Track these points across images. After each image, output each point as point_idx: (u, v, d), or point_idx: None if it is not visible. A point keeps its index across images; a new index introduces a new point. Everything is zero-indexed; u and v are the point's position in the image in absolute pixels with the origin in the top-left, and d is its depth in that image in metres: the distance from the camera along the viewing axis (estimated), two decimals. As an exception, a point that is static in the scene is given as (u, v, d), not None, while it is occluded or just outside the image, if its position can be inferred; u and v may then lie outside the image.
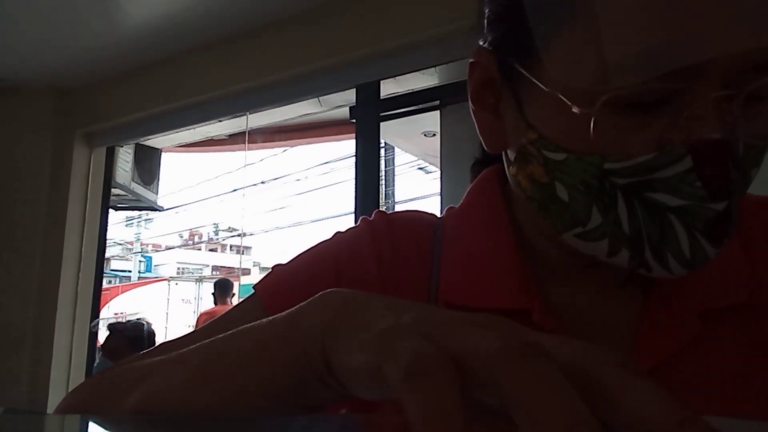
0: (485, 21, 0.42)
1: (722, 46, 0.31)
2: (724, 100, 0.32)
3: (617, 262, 0.37)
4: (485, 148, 0.44)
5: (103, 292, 2.97)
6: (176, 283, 12.99)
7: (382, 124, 2.25)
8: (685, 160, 0.33)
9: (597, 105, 0.33)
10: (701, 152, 0.32)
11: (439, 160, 2.38)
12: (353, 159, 2.24)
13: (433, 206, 3.14)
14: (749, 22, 0.31)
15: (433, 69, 2.15)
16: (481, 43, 0.43)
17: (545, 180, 0.38)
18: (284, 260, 0.49)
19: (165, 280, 13.24)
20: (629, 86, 0.32)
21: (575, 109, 0.34)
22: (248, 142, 3.03)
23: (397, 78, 2.21)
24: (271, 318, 0.30)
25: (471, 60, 0.42)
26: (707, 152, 0.32)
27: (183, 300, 12.20)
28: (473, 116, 0.44)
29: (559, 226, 0.39)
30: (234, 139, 3.18)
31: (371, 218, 0.50)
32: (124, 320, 3.17)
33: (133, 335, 2.99)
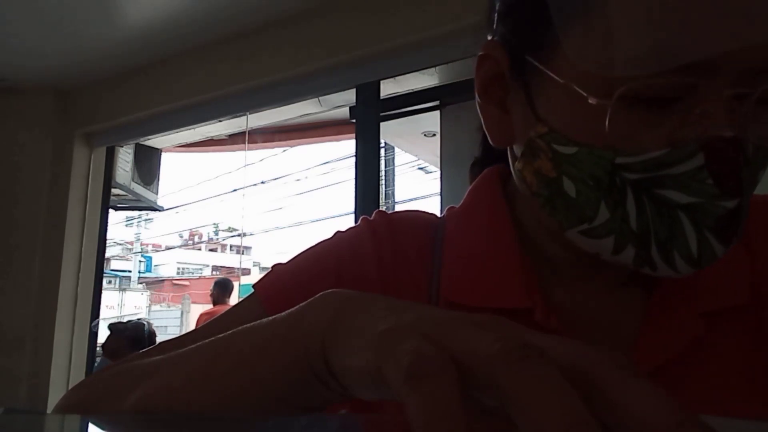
0: (496, 15, 0.42)
1: (736, 42, 0.31)
2: (736, 100, 0.32)
3: (621, 260, 0.37)
4: (491, 142, 0.44)
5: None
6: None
7: (382, 124, 2.25)
8: (697, 157, 0.33)
9: (614, 96, 0.33)
10: (714, 149, 0.32)
11: (439, 160, 2.38)
12: (353, 159, 2.24)
13: (433, 206, 3.15)
14: (764, 20, 0.31)
15: (433, 69, 2.15)
16: (490, 37, 0.43)
17: (553, 175, 0.38)
18: (284, 260, 0.49)
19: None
20: (646, 78, 0.32)
21: (591, 100, 0.34)
22: (248, 142, 3.03)
23: (397, 78, 2.21)
24: (271, 318, 0.30)
25: (481, 53, 0.42)
26: (720, 149, 0.32)
27: (107, 306, 13.90)
28: (479, 110, 0.44)
29: (564, 223, 0.38)
30: (234, 139, 3.18)
31: (371, 218, 0.49)
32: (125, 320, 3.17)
33: (133, 335, 2.99)
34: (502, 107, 0.42)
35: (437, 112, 2.32)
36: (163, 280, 20.00)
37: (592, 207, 0.36)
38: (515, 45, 0.40)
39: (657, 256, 0.35)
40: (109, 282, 16.70)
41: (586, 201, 0.36)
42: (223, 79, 2.51)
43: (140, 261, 18.33)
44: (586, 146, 0.35)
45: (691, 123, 0.33)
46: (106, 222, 3.09)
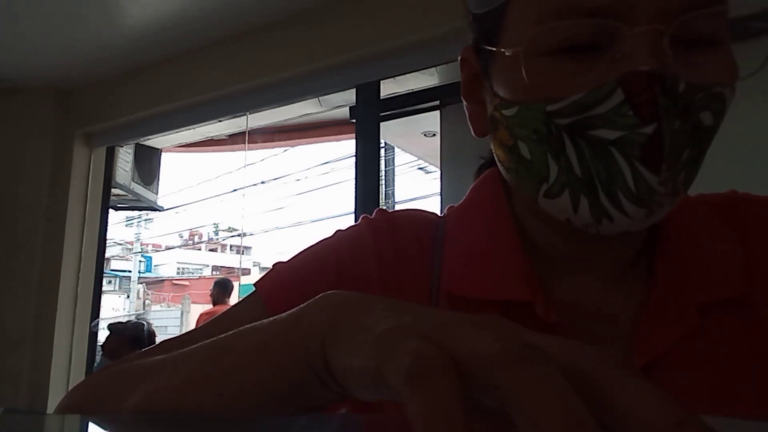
0: (468, 25, 0.46)
1: None
2: (654, 38, 0.34)
3: (583, 217, 0.39)
4: (473, 133, 0.47)
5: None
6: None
7: (382, 124, 2.26)
8: (616, 94, 0.35)
9: (524, 45, 0.36)
10: (630, 83, 0.35)
11: (439, 160, 2.38)
12: (353, 159, 2.24)
13: (433, 206, 3.15)
14: None
15: (433, 69, 2.15)
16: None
17: (510, 142, 0.41)
18: (285, 259, 0.49)
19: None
20: (557, 25, 0.36)
21: (508, 52, 0.38)
22: (248, 142, 3.03)
23: (397, 78, 2.21)
24: (271, 318, 0.30)
25: (460, 58, 0.47)
26: (635, 82, 0.34)
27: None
28: (465, 110, 0.47)
29: (532, 191, 0.41)
30: (234, 139, 3.18)
31: (372, 217, 0.50)
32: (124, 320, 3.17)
33: (133, 335, 2.99)
34: (479, 102, 0.46)
35: (437, 112, 2.32)
36: (163, 280, 20.02)
37: (543, 163, 0.39)
38: (478, 42, 0.44)
39: (605, 201, 0.37)
40: (109, 282, 16.69)
41: (537, 159, 0.39)
42: (223, 79, 2.51)
43: (140, 261, 18.32)
44: (522, 103, 0.39)
45: (611, 65, 0.35)
46: (106, 222, 3.09)
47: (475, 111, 0.46)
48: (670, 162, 0.35)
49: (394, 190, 4.13)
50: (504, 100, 0.40)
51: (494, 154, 0.45)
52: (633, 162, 0.35)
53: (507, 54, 0.39)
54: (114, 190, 3.17)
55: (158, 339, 3.23)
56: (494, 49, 0.41)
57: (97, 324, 3.03)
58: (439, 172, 2.39)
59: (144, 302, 17.34)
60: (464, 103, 0.47)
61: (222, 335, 0.32)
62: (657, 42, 0.34)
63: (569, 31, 0.36)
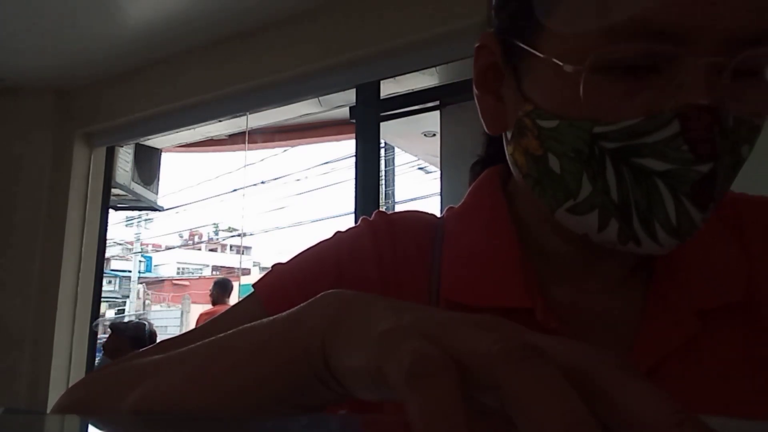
0: (492, 12, 0.44)
1: (711, 13, 0.32)
2: (714, 69, 0.33)
3: (607, 237, 0.37)
4: (486, 130, 0.45)
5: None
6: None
7: (382, 124, 2.26)
8: (672, 125, 0.34)
9: (587, 62, 0.34)
10: (688, 117, 0.33)
11: (439, 160, 2.38)
12: (353, 159, 2.24)
13: (433, 206, 3.15)
14: None
15: (433, 69, 2.15)
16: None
17: (539, 152, 0.39)
18: (284, 260, 0.49)
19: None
20: (619, 46, 0.33)
21: (567, 68, 0.35)
22: (248, 142, 3.03)
23: (397, 78, 2.21)
24: (271, 318, 0.30)
25: (477, 44, 0.44)
26: (694, 117, 0.33)
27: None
28: (476, 101, 0.45)
29: (552, 203, 0.39)
30: (234, 139, 3.18)
31: (371, 218, 0.50)
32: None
33: (134, 335, 2.99)
34: (496, 95, 0.44)
35: (437, 112, 2.32)
36: (163, 280, 20.02)
37: (575, 181, 0.37)
38: (506, 33, 0.41)
39: (639, 227, 0.36)
40: (109, 282, 16.69)
41: (569, 175, 0.37)
42: (223, 79, 2.51)
43: (140, 261, 18.32)
44: (565, 118, 0.36)
45: (667, 92, 0.34)
46: (106, 222, 3.09)
47: (490, 106, 0.44)
48: (717, 199, 0.35)
49: (394, 190, 4.13)
50: (540, 109, 0.38)
51: (510, 156, 0.43)
52: (680, 197, 0.35)
53: (554, 62, 0.36)
54: (114, 190, 3.17)
55: (158, 339, 3.23)
56: (540, 54, 0.37)
57: (98, 324, 3.03)
58: (439, 172, 2.39)
59: (144, 302, 17.34)
60: (476, 92, 0.44)
61: (221, 335, 0.32)
62: (719, 75, 0.33)
63: (634, 52, 0.33)
